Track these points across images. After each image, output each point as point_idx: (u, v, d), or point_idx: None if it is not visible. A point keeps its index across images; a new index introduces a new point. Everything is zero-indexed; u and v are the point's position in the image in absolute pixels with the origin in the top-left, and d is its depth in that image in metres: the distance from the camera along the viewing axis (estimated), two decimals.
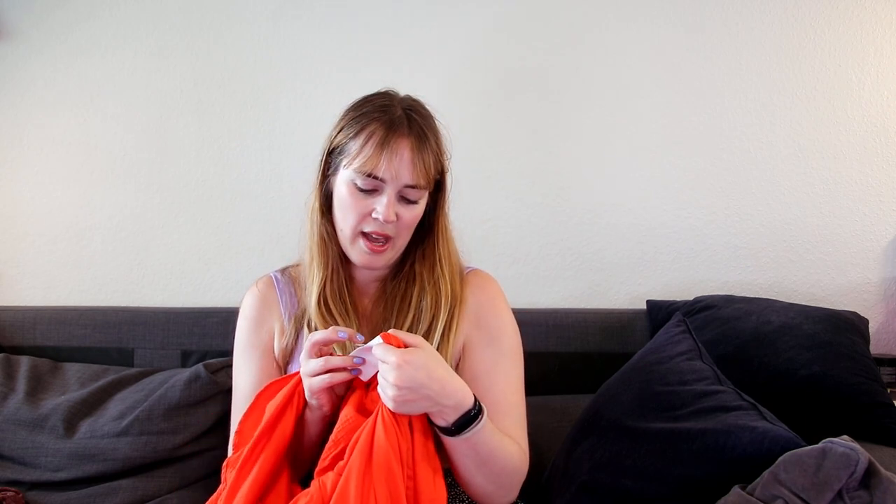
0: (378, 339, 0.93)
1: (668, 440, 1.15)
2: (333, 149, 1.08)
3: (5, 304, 1.76)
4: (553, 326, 1.68)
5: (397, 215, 1.04)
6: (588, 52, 1.80)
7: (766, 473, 1.01)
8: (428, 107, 1.10)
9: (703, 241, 1.83)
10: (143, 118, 1.80)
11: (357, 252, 1.07)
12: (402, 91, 1.12)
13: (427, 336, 1.06)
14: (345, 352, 1.02)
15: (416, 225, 1.09)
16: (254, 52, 1.79)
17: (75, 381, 1.53)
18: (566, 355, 1.66)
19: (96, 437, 1.41)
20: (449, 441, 0.96)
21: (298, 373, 1.00)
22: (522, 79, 1.80)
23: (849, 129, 1.80)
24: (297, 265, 1.20)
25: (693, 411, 1.18)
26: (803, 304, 1.63)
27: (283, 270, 1.21)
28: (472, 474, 1.00)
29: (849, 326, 1.53)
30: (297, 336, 1.13)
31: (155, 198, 1.81)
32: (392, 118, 1.03)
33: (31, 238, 1.82)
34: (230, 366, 1.19)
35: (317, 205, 1.11)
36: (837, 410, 1.39)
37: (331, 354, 0.99)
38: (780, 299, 1.65)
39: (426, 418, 0.96)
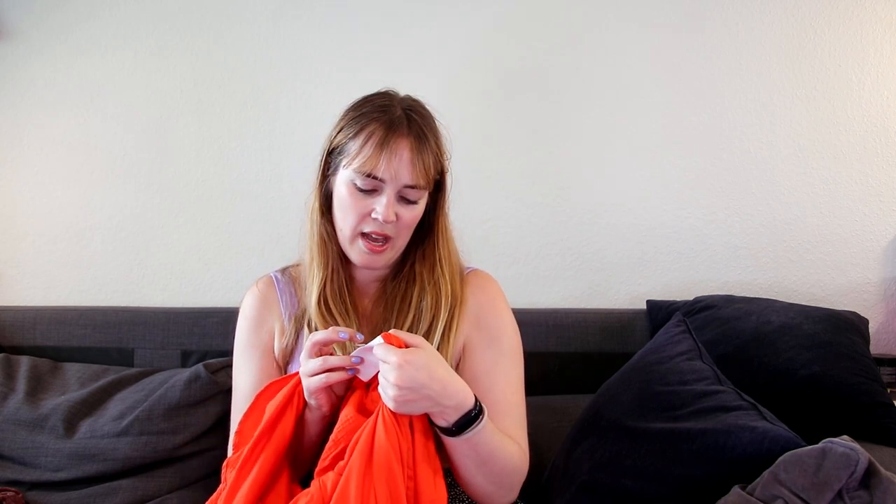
0: (379, 339, 0.93)
1: (668, 440, 1.15)
2: (333, 149, 1.08)
3: (5, 304, 1.76)
4: (553, 326, 1.68)
5: (397, 215, 1.04)
6: (588, 52, 1.80)
7: (766, 473, 1.01)
8: (428, 107, 1.10)
9: (703, 241, 1.83)
10: (143, 118, 1.80)
11: (356, 252, 1.07)
12: (402, 91, 1.12)
13: (427, 336, 1.06)
14: (345, 352, 1.02)
15: (415, 225, 1.09)
16: (254, 52, 1.79)
17: (75, 381, 1.53)
18: (566, 355, 1.66)
19: (96, 437, 1.41)
20: (449, 441, 0.96)
21: (298, 373, 1.00)
22: (522, 79, 1.80)
23: (849, 129, 1.80)
24: (298, 265, 1.20)
25: (693, 411, 1.18)
26: (803, 304, 1.63)
27: (284, 270, 1.21)
28: (473, 474, 1.00)
29: (849, 326, 1.53)
30: (297, 336, 1.13)
31: (155, 198, 1.81)
32: (392, 118, 1.03)
33: (31, 238, 1.82)
34: (230, 366, 1.19)
35: (317, 205, 1.11)
36: (837, 410, 1.39)
37: (331, 354, 0.99)
38: (780, 299, 1.65)
39: (427, 418, 0.96)
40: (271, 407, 1.00)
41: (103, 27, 1.78)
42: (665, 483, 1.14)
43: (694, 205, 1.82)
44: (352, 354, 0.97)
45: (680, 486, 1.13)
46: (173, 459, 1.43)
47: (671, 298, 1.75)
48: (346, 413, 0.96)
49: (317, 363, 0.95)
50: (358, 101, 1.09)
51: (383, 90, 1.11)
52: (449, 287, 1.10)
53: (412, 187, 1.03)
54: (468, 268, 1.18)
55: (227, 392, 1.31)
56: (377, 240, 1.06)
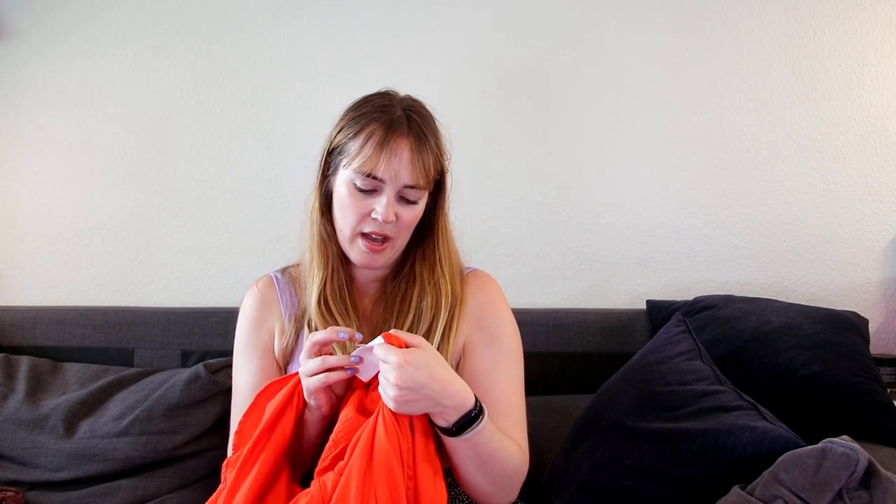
0: (379, 339, 0.93)
1: (668, 440, 1.15)
2: (333, 149, 1.08)
3: (5, 304, 1.76)
4: (553, 326, 1.68)
5: (397, 216, 1.04)
6: (588, 52, 1.80)
7: (766, 473, 1.01)
8: (428, 107, 1.10)
9: (703, 241, 1.83)
10: (143, 118, 1.80)
11: (356, 252, 1.07)
12: (403, 91, 1.12)
13: (427, 336, 1.06)
14: (345, 352, 1.02)
15: (415, 225, 1.09)
16: (254, 52, 1.79)
17: (75, 381, 1.53)
18: (566, 355, 1.66)
19: (96, 437, 1.41)
20: (450, 441, 0.96)
21: (298, 373, 1.00)
22: (522, 79, 1.80)
23: (849, 129, 1.80)
24: (298, 265, 1.20)
25: (693, 411, 1.18)
26: (803, 304, 1.63)
27: (284, 270, 1.21)
28: (473, 474, 1.00)
29: (849, 326, 1.53)
30: (298, 336, 1.13)
31: (155, 198, 1.81)
32: (391, 118, 1.03)
33: (31, 238, 1.82)
34: (230, 366, 1.19)
35: (317, 205, 1.11)
36: (837, 410, 1.39)
37: (330, 354, 0.99)
38: (780, 299, 1.65)
39: (427, 419, 0.96)
40: (271, 407, 1.00)
41: (103, 27, 1.78)
42: (665, 483, 1.14)
43: (694, 205, 1.82)
44: (351, 354, 0.97)
45: (680, 486, 1.13)
46: (173, 459, 1.43)
47: (671, 298, 1.75)
48: (346, 413, 0.96)
49: (316, 363, 0.95)
50: (358, 101, 1.09)
51: (383, 90, 1.11)
52: (449, 287, 1.10)
53: (412, 187, 1.03)
54: (468, 268, 1.18)
55: (227, 392, 1.31)
56: (377, 239, 1.06)
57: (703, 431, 1.12)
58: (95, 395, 1.48)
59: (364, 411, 0.97)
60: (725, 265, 1.83)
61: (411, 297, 1.10)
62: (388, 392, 0.91)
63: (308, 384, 0.96)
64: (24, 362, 1.56)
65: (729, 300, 1.64)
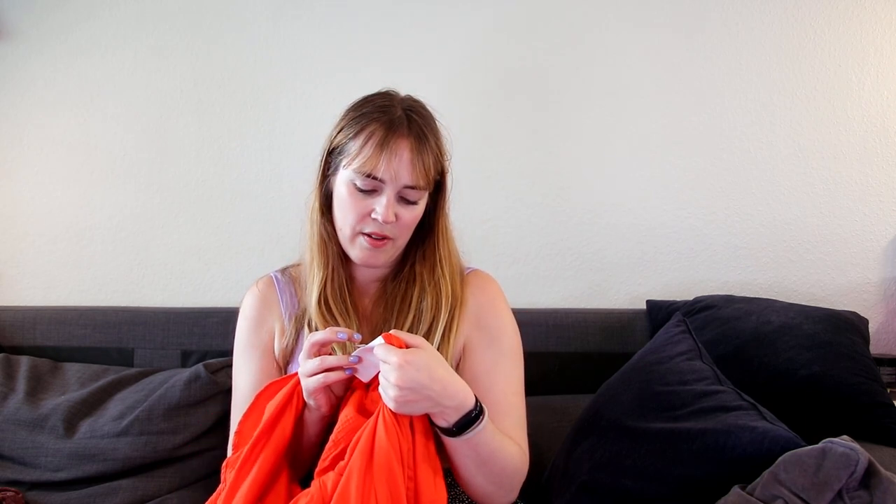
0: (379, 340, 0.93)
1: (668, 440, 1.15)
2: (333, 149, 1.08)
3: (5, 304, 1.76)
4: (553, 326, 1.68)
5: (396, 216, 1.04)
6: (588, 52, 1.80)
7: (766, 473, 1.01)
8: (428, 107, 1.10)
9: (703, 241, 1.83)
10: (143, 118, 1.80)
11: (357, 249, 1.07)
12: (403, 91, 1.11)
13: (427, 337, 1.06)
14: (345, 353, 1.02)
15: (415, 225, 1.09)
16: (254, 52, 1.79)
17: (75, 381, 1.53)
18: (566, 355, 1.66)
19: (96, 437, 1.41)
20: (450, 442, 0.96)
21: (298, 373, 1.00)
22: (522, 79, 1.80)
23: (849, 129, 1.80)
24: (298, 265, 1.20)
25: (693, 411, 1.18)
26: (803, 304, 1.63)
27: (284, 270, 1.21)
28: (473, 475, 1.00)
29: (849, 326, 1.53)
30: (298, 336, 1.12)
31: (155, 198, 1.81)
32: (392, 119, 1.03)
33: (31, 238, 1.82)
34: (230, 366, 1.19)
35: (317, 205, 1.11)
36: (837, 410, 1.39)
37: (329, 355, 0.99)
38: (780, 299, 1.65)
39: (427, 419, 0.96)
40: (271, 407, 1.00)
41: (103, 27, 1.78)
42: (665, 483, 1.14)
43: (694, 205, 1.82)
44: (351, 354, 0.97)
45: (680, 486, 1.13)
46: (173, 459, 1.43)
47: (671, 298, 1.75)
48: (346, 413, 0.96)
49: (314, 363, 0.95)
50: (358, 102, 1.09)
51: (384, 90, 1.10)
52: (449, 287, 1.10)
53: (412, 188, 1.03)
54: (468, 268, 1.18)
55: (227, 392, 1.31)
56: (378, 237, 1.06)
57: (703, 431, 1.12)
58: (95, 395, 1.48)
59: (364, 411, 0.97)
60: (725, 265, 1.83)
61: (411, 297, 1.10)
62: (388, 392, 0.91)
63: (307, 384, 0.96)
64: (24, 362, 1.56)
65: (729, 300, 1.64)
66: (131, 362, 1.64)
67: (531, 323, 1.62)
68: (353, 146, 1.03)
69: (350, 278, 1.14)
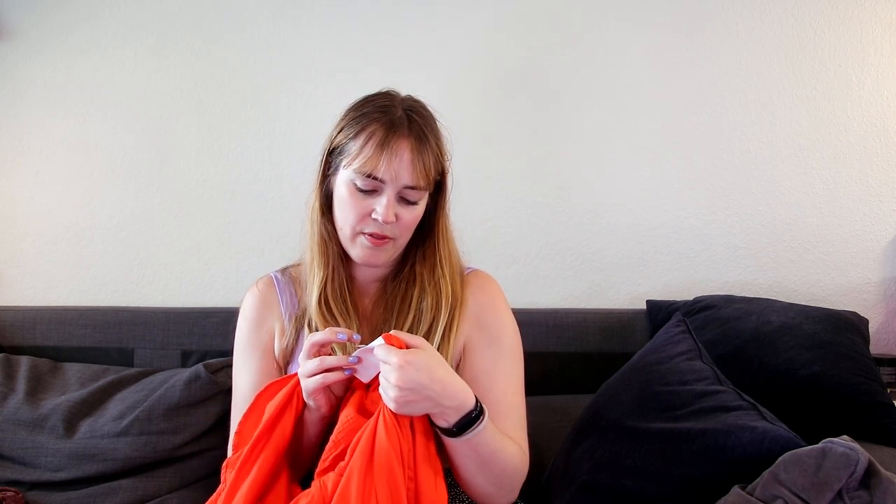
0: (380, 340, 0.93)
1: (668, 440, 1.15)
2: (334, 149, 1.07)
3: (5, 304, 1.76)
4: (553, 326, 1.68)
5: (397, 216, 1.04)
6: (588, 52, 1.80)
7: (766, 473, 1.01)
8: (429, 108, 1.10)
9: (703, 241, 1.83)
10: (143, 118, 1.80)
11: (358, 248, 1.07)
12: (403, 91, 1.11)
13: (427, 337, 1.06)
14: (345, 353, 1.02)
15: (415, 226, 1.09)
16: (254, 52, 1.79)
17: (75, 381, 1.53)
18: (566, 355, 1.66)
19: (96, 437, 1.41)
20: (450, 442, 0.97)
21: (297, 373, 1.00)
22: (522, 79, 1.80)
23: (849, 129, 1.80)
24: (298, 265, 1.20)
25: (693, 411, 1.18)
26: (803, 304, 1.63)
27: (284, 270, 1.21)
28: (473, 475, 1.00)
29: (849, 326, 1.53)
30: (298, 336, 1.12)
31: (155, 198, 1.81)
32: (392, 119, 1.03)
33: (31, 238, 1.82)
34: (230, 366, 1.19)
35: (317, 204, 1.11)
36: (837, 410, 1.39)
37: (329, 355, 0.99)
38: (780, 299, 1.65)
39: (427, 419, 0.96)
40: (271, 407, 1.00)
41: (103, 27, 1.78)
42: (665, 483, 1.14)
43: (694, 205, 1.82)
44: (351, 355, 0.97)
45: (680, 486, 1.13)
46: (173, 459, 1.43)
47: (671, 298, 1.75)
48: (347, 414, 0.96)
49: (314, 364, 0.95)
50: (359, 102, 1.09)
51: (384, 90, 1.10)
52: (449, 288, 1.10)
53: (412, 188, 1.03)
54: (468, 268, 1.18)
55: (227, 392, 1.31)
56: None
57: (703, 431, 1.12)
58: (95, 395, 1.48)
59: (364, 412, 0.97)
60: (725, 265, 1.83)
61: (411, 297, 1.10)
62: (388, 393, 0.91)
63: (306, 385, 0.96)
64: (24, 362, 1.56)
65: (729, 300, 1.64)
66: (131, 362, 1.64)
67: (531, 323, 1.62)
68: (354, 146, 1.03)
69: (350, 278, 1.14)
